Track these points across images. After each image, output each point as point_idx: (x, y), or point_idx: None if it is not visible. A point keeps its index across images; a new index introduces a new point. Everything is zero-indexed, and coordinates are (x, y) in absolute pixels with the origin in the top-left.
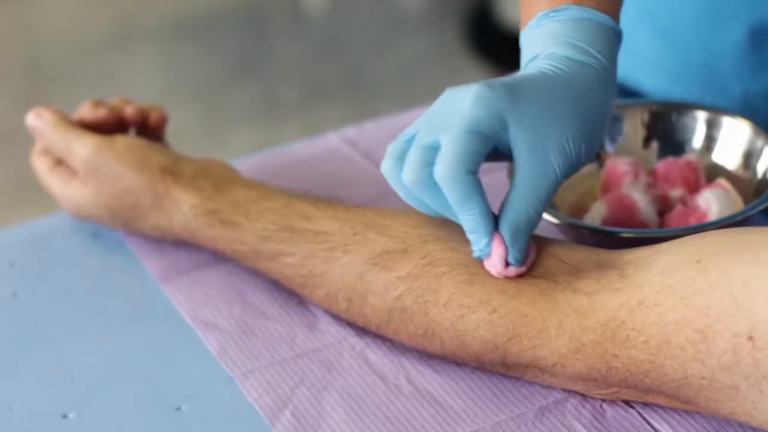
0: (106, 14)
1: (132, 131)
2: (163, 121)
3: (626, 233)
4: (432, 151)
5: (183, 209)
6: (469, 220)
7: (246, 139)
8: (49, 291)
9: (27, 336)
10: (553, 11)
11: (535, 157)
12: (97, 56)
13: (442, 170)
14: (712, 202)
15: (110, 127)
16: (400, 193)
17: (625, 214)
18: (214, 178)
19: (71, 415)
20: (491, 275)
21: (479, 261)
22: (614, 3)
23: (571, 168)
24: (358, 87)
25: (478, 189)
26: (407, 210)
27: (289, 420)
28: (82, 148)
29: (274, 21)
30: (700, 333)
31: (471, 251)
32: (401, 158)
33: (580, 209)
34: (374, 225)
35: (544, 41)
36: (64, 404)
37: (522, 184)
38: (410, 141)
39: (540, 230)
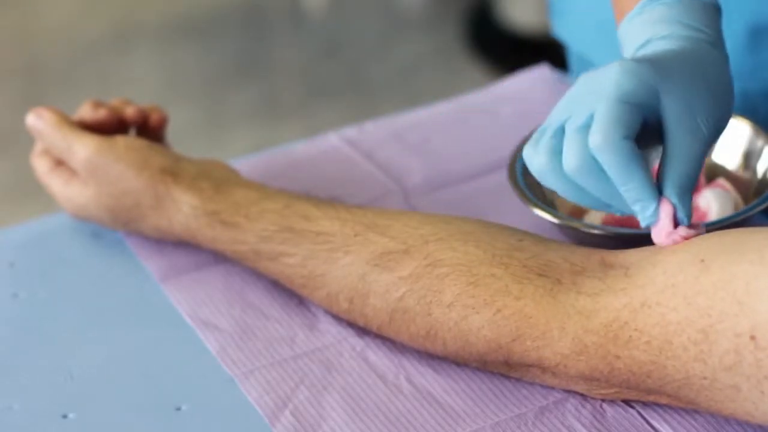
0: (106, 14)
1: (132, 132)
2: (163, 122)
3: (627, 233)
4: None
5: (183, 210)
6: (633, 189)
7: (246, 139)
8: (49, 291)
9: (27, 336)
10: None
11: (688, 122)
12: (97, 56)
13: (597, 138)
14: (712, 202)
15: (110, 127)
16: (561, 190)
17: None
18: (215, 179)
19: (71, 415)
20: (494, 276)
21: (481, 262)
22: None
23: (716, 133)
24: (358, 87)
25: (637, 156)
26: (408, 210)
27: (289, 420)
28: (83, 148)
29: (274, 21)
30: (703, 333)
31: (638, 220)
32: (556, 152)
33: (581, 210)
34: (375, 225)
35: (653, 26)
36: (64, 404)
37: (678, 148)
38: (558, 133)
39: (540, 230)
